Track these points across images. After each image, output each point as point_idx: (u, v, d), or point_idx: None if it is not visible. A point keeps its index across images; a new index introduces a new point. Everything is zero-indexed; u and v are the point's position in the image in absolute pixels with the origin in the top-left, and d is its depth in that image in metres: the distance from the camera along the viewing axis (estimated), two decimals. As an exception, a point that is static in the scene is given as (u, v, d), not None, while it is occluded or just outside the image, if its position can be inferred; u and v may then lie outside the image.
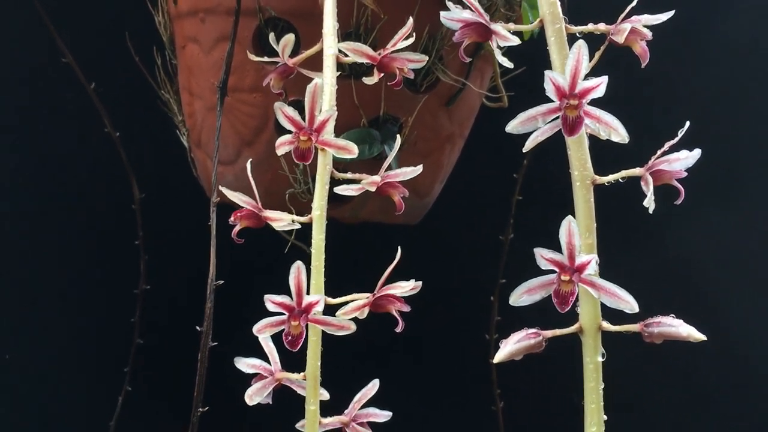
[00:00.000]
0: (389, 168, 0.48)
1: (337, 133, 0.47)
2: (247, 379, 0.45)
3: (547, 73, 0.38)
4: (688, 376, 0.93)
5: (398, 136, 0.52)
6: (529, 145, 0.43)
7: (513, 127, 0.40)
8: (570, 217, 0.37)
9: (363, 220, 0.66)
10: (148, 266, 0.78)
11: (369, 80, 0.50)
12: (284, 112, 0.44)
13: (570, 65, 0.39)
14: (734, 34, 0.93)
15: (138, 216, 0.78)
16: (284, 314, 0.41)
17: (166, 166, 0.78)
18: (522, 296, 0.39)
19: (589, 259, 0.37)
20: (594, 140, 0.42)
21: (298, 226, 0.46)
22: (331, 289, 0.45)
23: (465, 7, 0.44)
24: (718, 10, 0.93)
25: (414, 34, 0.48)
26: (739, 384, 0.93)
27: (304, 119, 0.44)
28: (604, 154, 0.44)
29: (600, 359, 0.40)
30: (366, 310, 0.44)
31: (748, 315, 0.93)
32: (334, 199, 0.47)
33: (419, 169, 0.48)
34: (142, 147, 0.78)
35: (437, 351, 0.90)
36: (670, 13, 0.44)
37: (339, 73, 0.48)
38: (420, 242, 0.82)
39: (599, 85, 0.38)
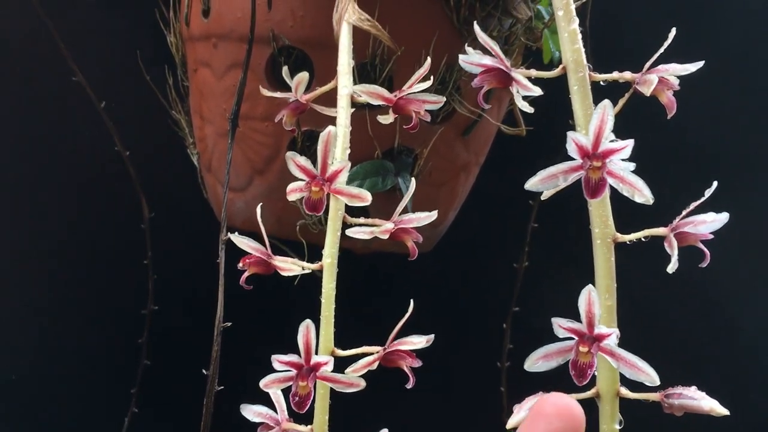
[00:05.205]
0: (404, 211, 0.47)
1: (351, 164, 0.45)
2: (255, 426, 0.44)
3: (569, 134, 0.37)
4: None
5: (413, 179, 0.51)
6: (547, 194, 0.42)
7: (532, 184, 0.38)
8: (590, 286, 0.36)
9: (375, 251, 0.65)
10: (156, 286, 0.77)
11: (384, 119, 0.49)
12: (296, 162, 0.42)
13: (594, 125, 0.37)
14: (758, 79, 0.89)
15: (147, 235, 0.77)
16: (292, 371, 0.40)
17: (176, 186, 0.77)
18: (537, 362, 0.37)
19: (609, 332, 0.35)
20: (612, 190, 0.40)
21: (308, 271, 0.45)
22: (341, 320, 0.43)
23: (485, 51, 0.42)
24: (740, 55, 0.89)
25: (431, 76, 0.47)
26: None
27: (315, 164, 0.43)
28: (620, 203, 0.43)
29: (617, 427, 0.38)
30: (376, 364, 0.43)
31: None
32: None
33: (434, 215, 0.46)
34: (152, 166, 0.77)
35: (448, 378, 0.88)
36: (700, 64, 0.42)
37: (353, 110, 0.46)
38: (433, 268, 0.81)
39: (624, 148, 0.36)
